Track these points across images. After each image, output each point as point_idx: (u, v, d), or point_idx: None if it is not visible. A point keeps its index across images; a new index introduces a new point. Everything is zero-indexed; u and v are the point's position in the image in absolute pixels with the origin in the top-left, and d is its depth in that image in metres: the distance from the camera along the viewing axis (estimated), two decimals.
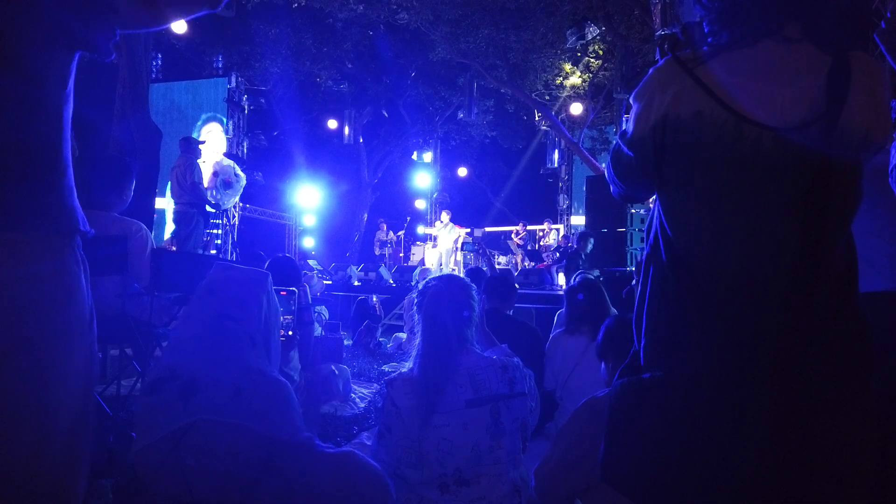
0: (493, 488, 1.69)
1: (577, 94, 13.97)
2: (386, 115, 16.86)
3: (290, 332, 3.30)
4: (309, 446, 1.80)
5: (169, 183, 7.39)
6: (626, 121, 1.17)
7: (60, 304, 0.93)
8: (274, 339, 2.14)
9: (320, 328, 5.80)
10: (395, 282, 9.70)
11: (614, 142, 1.23)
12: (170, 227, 8.40)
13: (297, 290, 3.37)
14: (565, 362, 2.90)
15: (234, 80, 12.49)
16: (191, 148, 7.15)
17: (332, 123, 16.17)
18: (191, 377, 1.84)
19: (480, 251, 12.72)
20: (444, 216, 12.98)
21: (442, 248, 12.83)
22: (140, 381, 3.24)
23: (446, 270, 11.84)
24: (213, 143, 11.90)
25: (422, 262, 13.26)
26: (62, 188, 0.94)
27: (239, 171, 9.44)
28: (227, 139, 12.13)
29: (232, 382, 1.84)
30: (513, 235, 13.65)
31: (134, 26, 1.03)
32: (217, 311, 1.99)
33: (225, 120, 12.33)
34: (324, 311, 6.67)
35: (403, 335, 6.49)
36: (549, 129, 15.28)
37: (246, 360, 1.91)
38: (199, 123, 12.50)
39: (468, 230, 14.50)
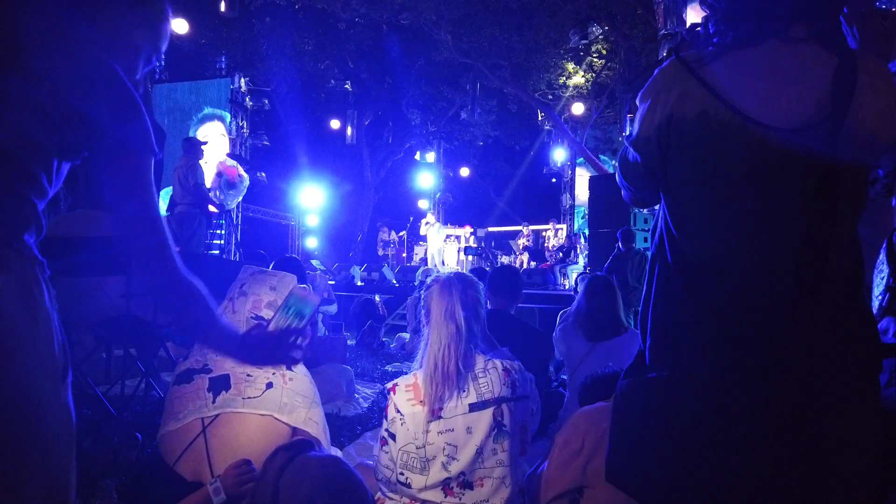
0: (496, 491, 1.69)
1: (579, 94, 13.94)
2: (389, 115, 16.86)
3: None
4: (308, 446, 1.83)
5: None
6: (632, 122, 1.16)
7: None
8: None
9: (324, 328, 5.81)
10: (398, 282, 9.71)
11: (622, 147, 1.23)
12: None
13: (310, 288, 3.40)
14: (571, 357, 2.92)
15: (237, 80, 12.48)
16: (193, 148, 7.14)
17: (335, 123, 16.19)
18: (224, 374, 1.96)
19: (483, 254, 12.73)
20: (430, 216, 13.74)
21: (433, 248, 13.24)
22: (144, 381, 3.25)
23: (442, 268, 11.93)
24: (214, 143, 11.65)
25: (424, 261, 13.31)
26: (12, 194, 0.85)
27: (242, 172, 9.44)
28: (231, 139, 12.11)
29: (264, 379, 1.97)
30: (519, 240, 13.66)
31: None
32: (250, 313, 2.15)
33: (227, 117, 12.17)
34: (332, 308, 6.63)
35: (406, 335, 6.49)
36: (551, 128, 15.25)
37: None
38: (194, 122, 12.20)
39: (471, 230, 14.52)
